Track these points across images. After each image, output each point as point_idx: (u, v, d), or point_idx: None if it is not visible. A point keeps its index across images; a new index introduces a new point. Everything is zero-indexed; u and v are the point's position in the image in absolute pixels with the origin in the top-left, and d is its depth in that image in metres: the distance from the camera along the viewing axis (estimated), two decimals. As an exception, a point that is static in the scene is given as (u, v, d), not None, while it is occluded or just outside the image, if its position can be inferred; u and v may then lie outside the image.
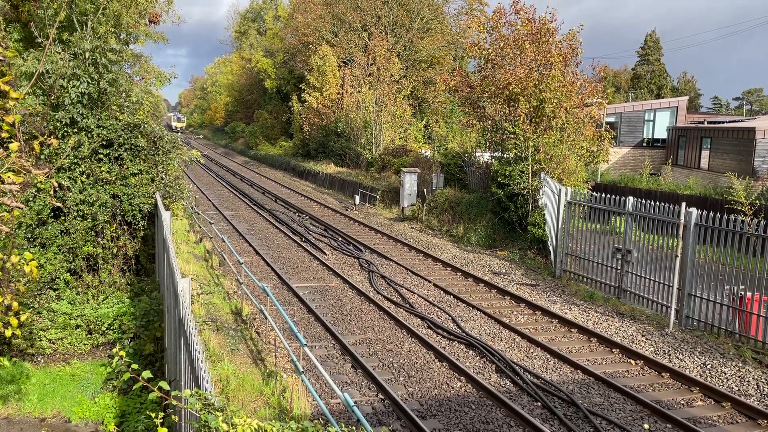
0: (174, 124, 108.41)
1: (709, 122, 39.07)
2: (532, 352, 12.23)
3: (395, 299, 15.47)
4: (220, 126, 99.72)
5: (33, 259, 6.31)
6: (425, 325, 13.72)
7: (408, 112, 43.32)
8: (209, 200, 33.01)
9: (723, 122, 37.98)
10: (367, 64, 43.13)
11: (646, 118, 40.84)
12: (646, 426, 9.34)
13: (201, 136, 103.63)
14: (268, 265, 18.61)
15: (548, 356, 12.04)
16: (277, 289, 16.17)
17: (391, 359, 11.70)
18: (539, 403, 10.00)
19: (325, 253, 20.49)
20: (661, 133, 40.62)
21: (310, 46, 50.58)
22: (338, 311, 14.49)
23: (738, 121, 39.17)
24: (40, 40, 14.16)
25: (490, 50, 23.20)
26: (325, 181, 41.42)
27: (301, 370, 9.38)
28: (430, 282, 17.11)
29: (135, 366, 4.70)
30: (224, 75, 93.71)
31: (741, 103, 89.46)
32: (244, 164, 59.22)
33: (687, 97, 50.25)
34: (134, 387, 5.59)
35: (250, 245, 21.35)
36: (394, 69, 42.22)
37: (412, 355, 11.94)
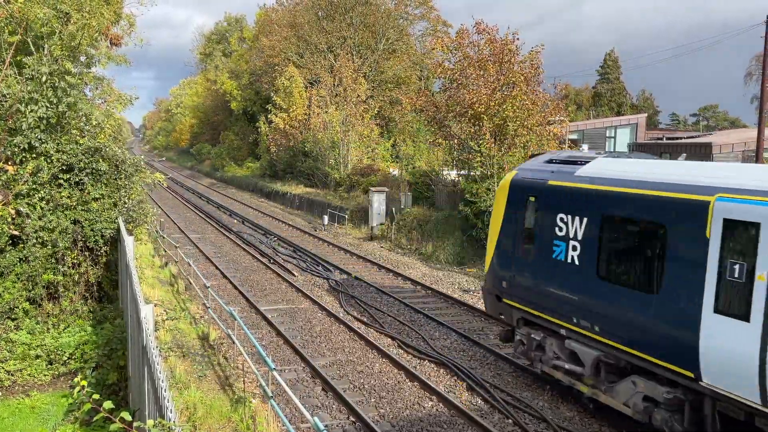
0: None
1: (667, 138, 40.14)
2: (504, 369, 12.26)
3: (365, 319, 15.39)
4: (185, 148, 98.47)
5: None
6: (396, 344, 13.66)
7: (375, 131, 43.52)
8: (175, 223, 32.50)
9: (681, 138, 39.07)
10: (334, 84, 43.29)
11: (607, 134, 41.80)
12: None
13: (165, 159, 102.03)
14: (236, 288, 18.36)
15: (519, 372, 12.08)
16: (245, 312, 15.93)
17: (362, 380, 11.60)
18: (510, 420, 10.01)
19: (294, 275, 20.30)
20: (622, 148, 41.55)
21: (276, 67, 50.56)
22: (308, 333, 14.33)
23: (695, 136, 40.33)
24: None
25: (454, 70, 23.53)
26: (293, 201, 41.22)
27: (270, 394, 9.23)
28: (400, 301, 17.07)
29: (96, 396, 4.57)
30: (189, 97, 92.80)
31: (698, 119, 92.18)
32: (211, 186, 58.60)
33: (646, 114, 51.68)
34: (95, 418, 5.42)
35: (217, 268, 21.05)
36: (360, 89, 42.44)
37: (383, 375, 11.86)
